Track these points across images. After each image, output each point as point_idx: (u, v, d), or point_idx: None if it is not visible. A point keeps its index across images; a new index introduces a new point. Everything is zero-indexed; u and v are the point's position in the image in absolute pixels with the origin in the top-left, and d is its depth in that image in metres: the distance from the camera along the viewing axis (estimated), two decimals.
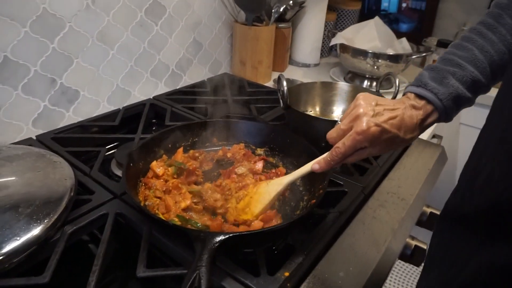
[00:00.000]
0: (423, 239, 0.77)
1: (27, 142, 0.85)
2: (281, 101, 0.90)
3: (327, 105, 1.06)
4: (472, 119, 1.55)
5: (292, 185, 0.73)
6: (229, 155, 0.81)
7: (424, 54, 1.40)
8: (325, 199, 0.64)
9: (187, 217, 0.63)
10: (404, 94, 0.60)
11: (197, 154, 0.79)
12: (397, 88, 0.97)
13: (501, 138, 0.49)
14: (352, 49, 1.36)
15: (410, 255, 0.76)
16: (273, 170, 0.78)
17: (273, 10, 1.35)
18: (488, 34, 0.57)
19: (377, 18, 1.50)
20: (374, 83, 1.42)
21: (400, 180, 0.83)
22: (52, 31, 0.87)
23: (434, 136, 1.23)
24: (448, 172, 1.09)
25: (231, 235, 0.52)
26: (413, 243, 0.77)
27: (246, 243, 0.59)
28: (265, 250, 0.60)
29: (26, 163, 0.69)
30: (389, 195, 0.77)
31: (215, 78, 1.34)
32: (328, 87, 1.05)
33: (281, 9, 1.36)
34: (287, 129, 0.93)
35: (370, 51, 1.32)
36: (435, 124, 1.17)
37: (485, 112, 0.57)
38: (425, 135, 1.10)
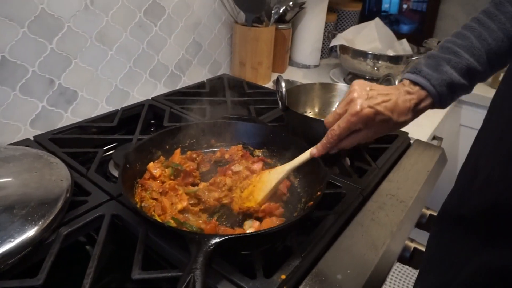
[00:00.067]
0: (422, 242, 0.76)
1: (25, 143, 0.85)
2: (279, 102, 0.89)
3: (326, 107, 1.06)
4: (473, 121, 1.54)
5: (290, 187, 0.73)
6: (227, 156, 0.80)
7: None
8: (323, 201, 0.63)
9: (183, 220, 0.62)
10: (400, 81, 0.61)
11: (194, 156, 0.78)
12: None
13: (500, 139, 0.49)
14: (352, 50, 1.36)
15: (409, 258, 0.75)
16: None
17: (273, 11, 1.35)
18: (488, 22, 0.57)
19: (377, 19, 1.50)
20: None
21: (399, 182, 0.82)
22: (50, 31, 0.87)
23: (434, 138, 1.22)
24: (448, 173, 1.09)
25: (227, 237, 0.51)
26: (412, 245, 0.76)
27: (242, 245, 0.59)
28: (262, 252, 0.60)
29: (23, 164, 0.69)
30: (388, 197, 0.77)
31: (214, 79, 1.33)
32: (327, 88, 1.05)
33: (281, 10, 1.36)
34: (285, 130, 0.92)
35: (370, 52, 1.31)
36: (435, 125, 1.18)
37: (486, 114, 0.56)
38: (425, 137, 1.09)
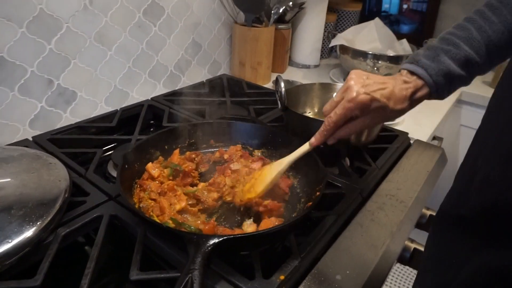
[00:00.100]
0: (422, 242, 0.76)
1: (23, 143, 0.84)
2: (279, 102, 0.89)
3: None
4: (473, 121, 1.54)
5: (289, 187, 0.73)
6: (226, 156, 0.80)
7: None
8: (323, 201, 0.63)
9: (182, 220, 0.62)
10: (398, 72, 0.61)
11: (193, 156, 0.78)
12: None
13: (499, 138, 0.49)
14: (352, 50, 1.35)
15: (409, 258, 0.75)
16: None
17: (272, 11, 1.34)
18: (489, 14, 0.57)
19: (377, 19, 1.49)
20: None
21: (399, 182, 0.82)
22: (49, 31, 0.87)
23: (434, 138, 1.22)
24: (449, 174, 1.08)
25: (225, 238, 0.51)
26: (412, 246, 0.76)
27: (241, 246, 0.58)
28: (261, 253, 0.59)
29: (21, 165, 0.68)
30: (388, 198, 0.76)
31: (214, 79, 1.33)
32: (326, 88, 1.04)
33: (281, 10, 1.36)
34: (285, 130, 0.92)
35: (370, 52, 1.31)
36: (435, 125, 1.17)
37: None
38: (425, 137, 1.09)
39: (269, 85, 1.39)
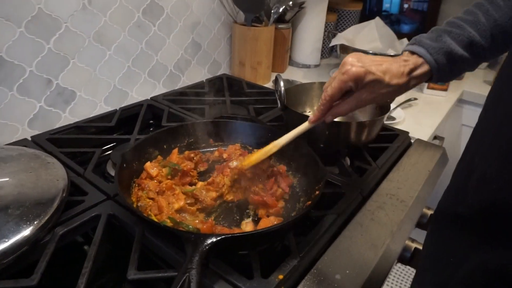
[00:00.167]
0: (423, 242, 0.75)
1: (22, 143, 0.84)
2: (278, 101, 0.89)
3: None
4: (474, 120, 1.52)
5: (289, 186, 0.73)
6: (225, 155, 0.80)
7: None
8: (323, 201, 0.63)
9: (180, 219, 0.61)
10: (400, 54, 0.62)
11: (192, 155, 0.77)
12: None
13: (496, 136, 0.48)
14: (352, 50, 1.35)
15: (410, 258, 0.75)
16: (274, 168, 0.76)
17: (272, 11, 1.34)
18: (497, 0, 0.58)
19: (377, 19, 1.49)
20: None
21: (400, 181, 0.81)
22: (48, 31, 0.86)
23: (435, 137, 1.21)
24: (450, 173, 1.08)
25: (223, 237, 0.50)
26: (413, 245, 0.75)
27: (239, 245, 0.58)
28: (260, 252, 0.59)
29: (20, 164, 0.68)
30: (388, 197, 0.76)
31: (213, 79, 1.33)
32: None
33: (281, 10, 1.35)
34: (284, 130, 0.91)
35: (370, 52, 1.30)
36: (436, 125, 1.17)
37: None
38: (426, 136, 1.08)
39: (269, 84, 1.39)
